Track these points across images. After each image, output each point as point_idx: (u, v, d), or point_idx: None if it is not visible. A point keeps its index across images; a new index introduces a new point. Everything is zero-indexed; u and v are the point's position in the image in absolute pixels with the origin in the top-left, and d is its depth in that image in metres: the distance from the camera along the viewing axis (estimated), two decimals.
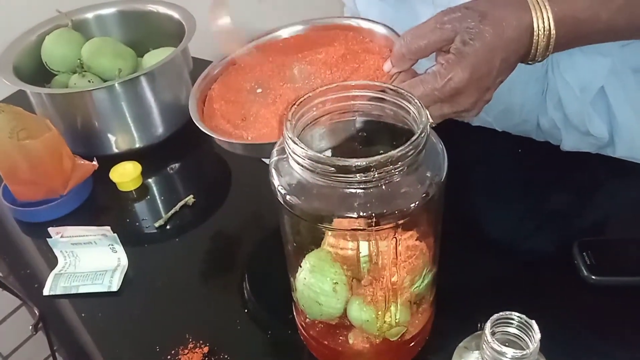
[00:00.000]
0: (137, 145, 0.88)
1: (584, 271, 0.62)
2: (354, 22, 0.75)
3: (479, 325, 0.44)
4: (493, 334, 0.42)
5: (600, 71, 0.72)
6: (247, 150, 0.66)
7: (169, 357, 0.60)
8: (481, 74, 0.55)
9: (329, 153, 0.55)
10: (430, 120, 0.48)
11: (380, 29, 0.71)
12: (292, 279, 0.56)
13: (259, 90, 0.73)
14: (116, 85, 0.83)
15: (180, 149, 0.85)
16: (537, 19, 0.55)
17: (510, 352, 0.41)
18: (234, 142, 0.65)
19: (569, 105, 0.75)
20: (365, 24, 0.74)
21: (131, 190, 0.83)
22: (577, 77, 0.73)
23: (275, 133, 0.66)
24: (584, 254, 0.64)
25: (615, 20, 0.58)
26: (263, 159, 0.83)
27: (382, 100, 0.50)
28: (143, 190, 0.83)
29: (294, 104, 0.49)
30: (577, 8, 0.57)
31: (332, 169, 0.44)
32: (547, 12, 0.55)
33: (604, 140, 0.77)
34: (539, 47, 0.57)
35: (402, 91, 0.49)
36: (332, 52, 0.73)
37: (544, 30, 0.56)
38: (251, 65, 0.77)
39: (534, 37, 0.56)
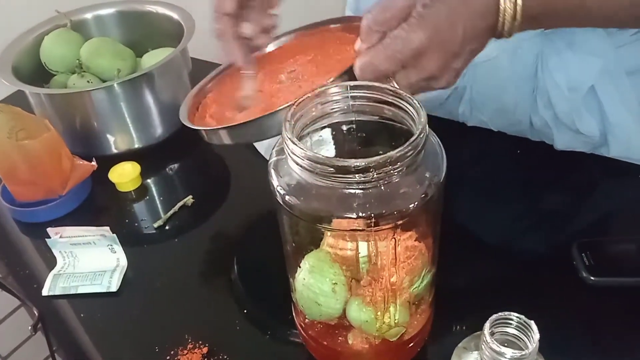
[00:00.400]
0: (136, 146, 0.88)
1: (583, 272, 0.62)
2: (338, 23, 0.77)
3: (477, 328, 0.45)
4: (492, 334, 0.42)
5: (589, 71, 0.72)
6: (229, 136, 0.65)
7: (168, 357, 0.60)
8: (443, 37, 0.54)
9: (328, 154, 0.55)
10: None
11: (357, 22, 0.72)
12: (291, 280, 0.56)
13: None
14: (115, 85, 0.83)
15: (180, 150, 0.85)
16: None
17: (509, 352, 0.41)
18: (216, 129, 0.64)
19: (558, 104, 0.75)
20: (347, 20, 0.76)
21: (130, 191, 0.83)
22: (566, 76, 0.73)
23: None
24: (583, 254, 0.64)
25: (587, 1, 0.57)
26: (258, 149, 0.83)
27: (381, 100, 0.50)
28: (142, 191, 0.83)
29: (293, 104, 0.49)
30: None
31: (331, 169, 0.44)
32: None
33: (595, 139, 0.77)
34: (506, 15, 0.55)
35: (401, 92, 0.49)
36: (320, 53, 0.74)
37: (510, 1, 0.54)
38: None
39: (500, 5, 0.54)
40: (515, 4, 0.54)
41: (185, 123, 0.68)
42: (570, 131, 0.77)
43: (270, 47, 0.80)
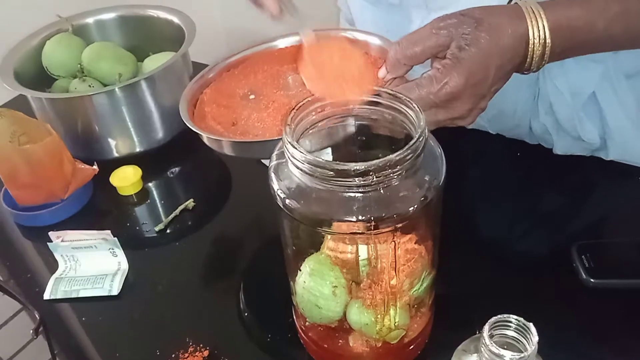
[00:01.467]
0: (138, 150, 0.88)
1: (583, 274, 0.62)
2: (349, 34, 0.75)
3: (477, 331, 0.45)
4: (491, 336, 0.42)
5: (591, 77, 0.72)
6: (236, 149, 0.65)
7: None
8: (477, 80, 0.55)
9: (328, 157, 0.56)
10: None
11: (375, 40, 0.72)
12: (291, 283, 0.56)
13: (252, 97, 0.74)
14: (116, 89, 0.83)
15: (181, 153, 0.85)
16: (532, 27, 0.55)
17: (508, 354, 0.41)
18: (222, 141, 0.64)
19: (560, 110, 0.75)
20: (360, 36, 0.75)
21: (131, 195, 0.83)
22: (567, 82, 0.73)
23: (265, 134, 0.66)
24: (583, 256, 0.64)
25: (612, 28, 0.58)
26: (262, 160, 0.83)
27: (380, 104, 0.50)
28: (143, 195, 0.83)
29: (294, 109, 0.49)
30: (573, 16, 0.56)
31: (331, 172, 0.44)
32: (543, 21, 0.55)
33: (595, 145, 0.77)
34: (534, 56, 0.56)
35: (401, 95, 0.49)
36: None
37: (539, 39, 0.55)
38: (245, 73, 0.78)
39: (530, 46, 0.56)
40: (544, 45, 0.56)
41: (188, 124, 0.68)
42: (570, 137, 0.77)
43: (275, 44, 0.80)
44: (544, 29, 0.55)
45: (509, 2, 0.60)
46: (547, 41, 0.56)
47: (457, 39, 0.55)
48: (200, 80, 0.76)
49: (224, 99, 0.75)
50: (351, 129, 0.55)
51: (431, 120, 0.56)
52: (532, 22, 0.55)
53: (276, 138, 0.59)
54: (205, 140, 0.66)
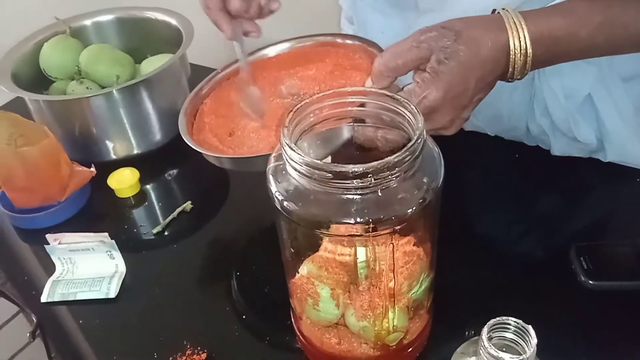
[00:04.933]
0: (135, 152, 0.88)
1: (581, 276, 0.62)
2: (345, 40, 0.76)
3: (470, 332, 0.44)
4: (490, 339, 0.42)
5: (586, 79, 0.72)
6: (233, 164, 0.66)
7: None
8: (456, 93, 0.56)
9: (327, 159, 0.55)
10: None
11: (369, 47, 0.72)
12: (289, 285, 0.56)
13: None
14: (114, 91, 0.83)
15: (178, 156, 0.85)
16: (514, 39, 0.55)
17: (507, 357, 0.41)
18: (220, 157, 0.65)
19: (555, 112, 0.75)
20: (353, 41, 0.75)
21: (129, 197, 0.83)
22: (562, 84, 0.73)
23: (260, 147, 0.67)
24: (581, 258, 0.64)
25: (594, 38, 0.58)
26: None
27: (378, 105, 0.50)
28: (141, 197, 0.83)
29: (291, 111, 0.49)
30: (554, 27, 0.57)
31: (329, 175, 0.44)
32: (524, 31, 0.55)
33: (592, 146, 0.77)
34: (516, 66, 0.56)
35: (399, 97, 0.49)
36: (322, 68, 0.73)
37: (520, 50, 0.55)
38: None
39: (511, 56, 0.56)
40: (526, 55, 0.56)
41: (186, 139, 0.68)
42: (566, 138, 0.77)
43: (268, 53, 0.80)
44: (525, 39, 0.55)
45: (493, 12, 0.61)
46: (529, 51, 0.56)
47: (437, 52, 0.55)
48: (199, 91, 0.77)
49: (224, 108, 0.75)
50: (349, 131, 0.55)
51: None
52: (512, 32, 0.55)
53: (267, 154, 0.60)
54: (204, 156, 0.67)
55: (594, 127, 0.76)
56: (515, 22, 0.56)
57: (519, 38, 0.55)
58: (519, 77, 0.58)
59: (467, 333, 0.48)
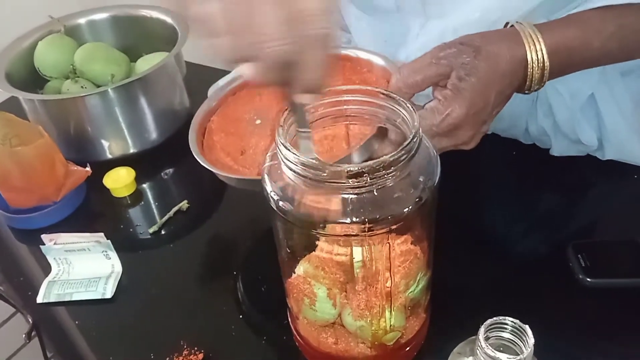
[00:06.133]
0: (131, 151, 0.88)
1: (579, 273, 0.62)
2: (352, 53, 0.75)
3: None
4: (487, 339, 0.42)
5: (589, 78, 0.72)
6: (246, 184, 0.66)
7: None
8: (478, 109, 0.56)
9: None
10: None
11: (378, 60, 0.72)
12: (286, 285, 0.55)
13: (258, 122, 0.74)
14: (109, 90, 0.82)
15: (174, 155, 0.84)
16: (531, 52, 0.57)
17: (504, 357, 0.41)
18: (234, 178, 0.65)
19: (559, 112, 0.75)
20: (363, 55, 0.74)
21: (125, 196, 0.83)
22: (567, 84, 0.73)
23: None
24: (579, 256, 0.64)
25: (608, 46, 0.59)
26: None
27: (374, 105, 0.50)
28: (137, 196, 0.83)
29: (286, 109, 0.48)
30: (569, 37, 0.58)
31: (324, 174, 0.43)
32: (540, 44, 0.57)
33: (593, 148, 0.77)
34: (533, 78, 0.58)
35: (395, 96, 0.49)
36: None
37: (537, 62, 0.57)
38: (250, 95, 0.78)
39: (528, 70, 0.57)
40: (543, 67, 0.57)
41: (199, 160, 0.67)
42: (568, 140, 0.77)
43: None
44: (542, 51, 0.57)
45: (505, 25, 0.61)
46: (546, 64, 0.57)
47: (457, 68, 0.56)
48: (206, 107, 0.76)
49: (232, 125, 0.75)
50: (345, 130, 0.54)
51: (436, 148, 0.57)
52: (530, 46, 0.57)
53: None
54: (218, 176, 0.66)
55: (595, 127, 0.76)
56: (532, 36, 0.57)
57: (536, 51, 0.57)
58: (536, 87, 0.59)
59: (464, 332, 0.48)
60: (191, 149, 0.69)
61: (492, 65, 0.56)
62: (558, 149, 0.79)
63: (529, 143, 0.82)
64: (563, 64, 0.59)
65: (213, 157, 0.70)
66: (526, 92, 0.60)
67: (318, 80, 0.40)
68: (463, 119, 0.56)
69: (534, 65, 0.57)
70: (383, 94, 0.49)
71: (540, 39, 0.57)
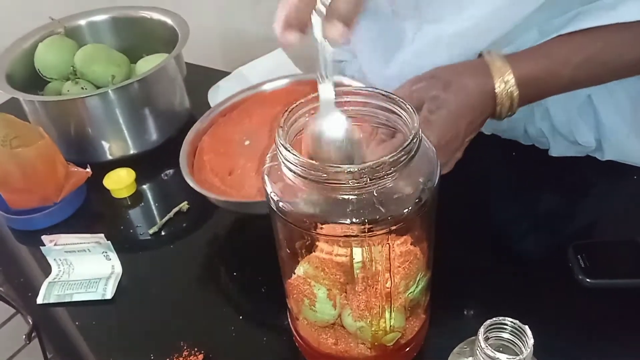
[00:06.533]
0: (131, 152, 0.88)
1: (579, 274, 0.62)
2: (339, 79, 0.77)
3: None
4: (486, 339, 0.42)
5: None
6: (234, 206, 0.68)
7: None
8: (448, 139, 0.59)
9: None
10: None
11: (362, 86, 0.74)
12: (286, 286, 0.55)
13: (247, 142, 0.76)
14: (110, 92, 0.83)
15: (174, 155, 0.84)
16: (499, 84, 0.59)
17: (503, 357, 0.41)
18: (221, 199, 0.67)
19: (557, 114, 0.75)
20: (348, 82, 0.77)
21: (125, 197, 0.83)
22: None
23: (258, 191, 0.69)
24: (579, 256, 0.64)
25: (576, 76, 0.61)
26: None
27: (374, 105, 0.50)
28: (137, 197, 0.83)
29: (286, 111, 0.49)
30: (537, 69, 0.60)
31: (324, 175, 0.43)
32: (509, 76, 0.59)
33: (591, 148, 0.77)
34: (502, 108, 0.60)
35: (394, 96, 0.49)
36: None
37: (506, 94, 0.59)
38: (240, 117, 0.79)
39: (497, 100, 0.60)
40: (511, 99, 0.60)
41: (189, 182, 0.69)
42: (566, 141, 0.77)
43: (265, 89, 0.82)
44: (511, 82, 0.59)
45: (479, 55, 0.63)
46: (514, 95, 0.60)
47: (428, 101, 0.59)
48: (197, 128, 0.78)
49: (222, 145, 0.76)
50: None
51: None
52: (498, 78, 0.59)
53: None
54: (207, 197, 0.68)
55: (593, 127, 0.76)
56: (500, 69, 0.60)
57: (505, 83, 0.59)
58: (507, 115, 0.62)
59: (463, 333, 0.48)
60: (181, 170, 0.71)
61: (462, 98, 0.58)
62: (557, 150, 0.79)
63: (529, 144, 0.82)
64: (531, 95, 0.62)
65: (202, 177, 0.72)
66: (498, 119, 0.62)
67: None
68: (434, 149, 0.57)
69: (503, 96, 0.60)
70: (383, 94, 0.49)
71: (509, 71, 0.59)
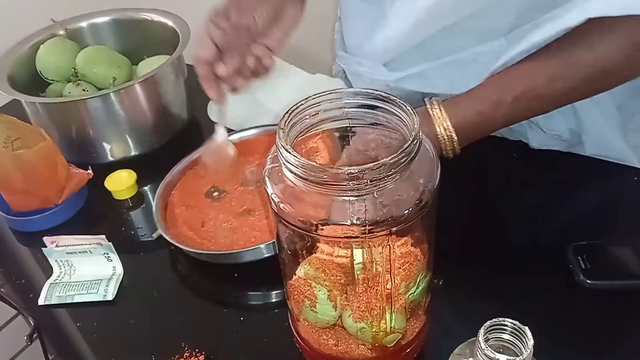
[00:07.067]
0: (132, 154, 0.88)
1: (580, 275, 0.62)
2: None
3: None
4: (487, 340, 0.42)
5: None
6: (211, 258, 0.69)
7: None
8: None
9: (323, 161, 0.55)
10: None
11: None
12: (286, 287, 0.55)
13: (216, 194, 0.78)
14: (111, 93, 0.83)
15: (175, 157, 0.85)
16: (439, 128, 0.64)
17: (503, 358, 0.41)
18: (200, 252, 0.69)
19: None
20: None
21: (126, 199, 0.83)
22: None
23: (234, 238, 0.70)
24: (579, 258, 0.64)
25: (512, 113, 0.64)
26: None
27: (374, 107, 0.50)
28: (138, 199, 0.83)
29: (287, 112, 0.49)
30: (472, 114, 0.64)
31: (325, 176, 0.44)
32: (447, 122, 0.64)
33: (564, 137, 0.79)
34: (446, 149, 0.65)
35: (394, 99, 0.49)
36: None
37: (445, 137, 0.64)
38: (206, 169, 0.81)
39: (440, 143, 0.65)
40: (452, 140, 0.65)
41: (165, 237, 0.70)
42: (541, 131, 0.79)
43: (233, 138, 0.82)
44: (449, 128, 0.64)
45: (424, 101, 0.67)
46: (453, 137, 0.64)
47: (380, 153, 0.58)
48: (168, 180, 0.79)
49: (191, 198, 0.78)
50: (346, 132, 0.54)
51: None
52: (438, 124, 0.64)
53: (245, 249, 0.67)
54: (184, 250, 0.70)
55: (570, 119, 0.77)
56: (439, 115, 0.65)
57: (444, 128, 0.64)
58: (451, 155, 0.66)
59: (464, 334, 0.48)
60: (157, 226, 0.72)
61: None
62: (535, 141, 0.80)
63: (515, 139, 0.82)
64: (470, 137, 0.66)
65: (177, 230, 0.73)
66: (447, 157, 0.66)
67: None
68: None
69: (444, 139, 0.64)
70: (383, 96, 0.50)
71: (447, 119, 0.64)
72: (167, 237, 0.70)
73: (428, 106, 0.66)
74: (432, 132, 0.64)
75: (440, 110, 0.65)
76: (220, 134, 0.76)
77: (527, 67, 0.64)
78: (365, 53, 0.82)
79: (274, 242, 0.66)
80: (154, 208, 0.75)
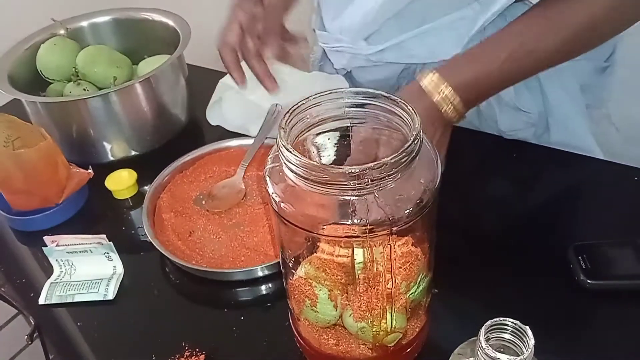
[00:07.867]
0: (133, 153, 0.88)
1: (580, 275, 0.62)
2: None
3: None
4: (487, 339, 0.42)
5: None
6: (197, 272, 0.69)
7: None
8: None
9: (324, 160, 0.55)
10: None
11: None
12: (287, 286, 0.56)
13: (204, 202, 0.77)
14: (111, 93, 0.83)
15: (175, 157, 0.85)
16: (437, 96, 0.64)
17: (504, 358, 0.41)
18: (189, 266, 0.68)
19: None
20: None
21: (127, 198, 0.83)
22: None
23: (222, 252, 0.70)
24: (580, 258, 0.64)
25: (507, 69, 0.65)
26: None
27: (375, 106, 0.50)
28: (139, 198, 0.83)
29: (288, 112, 0.49)
30: (467, 73, 0.65)
31: (326, 176, 0.44)
32: (446, 88, 0.64)
33: (534, 117, 0.80)
34: (449, 114, 0.65)
35: (395, 98, 0.49)
36: None
37: (448, 102, 0.64)
38: (196, 173, 0.81)
39: (442, 110, 0.64)
40: (453, 103, 0.64)
41: (154, 244, 0.70)
42: (511, 109, 0.80)
43: (223, 146, 0.84)
44: (447, 93, 0.64)
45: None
46: (456, 101, 0.64)
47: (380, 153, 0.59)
48: (156, 184, 0.79)
49: (179, 204, 0.77)
50: (346, 131, 0.54)
51: None
52: (434, 92, 0.64)
53: (236, 270, 0.67)
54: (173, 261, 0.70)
55: (538, 100, 0.79)
56: (434, 80, 0.64)
57: (441, 91, 0.64)
58: (456, 120, 0.66)
59: (464, 333, 0.48)
60: (146, 232, 0.72)
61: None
62: (504, 122, 0.82)
63: (490, 132, 0.84)
64: (472, 98, 0.66)
65: (165, 238, 0.73)
66: (454, 122, 0.66)
67: None
68: None
69: (444, 105, 0.64)
70: (384, 95, 0.50)
71: (444, 83, 0.63)
72: (156, 245, 0.69)
73: (418, 79, 0.65)
74: (427, 103, 0.64)
75: (434, 75, 0.65)
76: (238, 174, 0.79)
77: (520, 25, 0.65)
78: (345, 29, 0.83)
79: (271, 264, 0.66)
80: (143, 212, 0.74)
